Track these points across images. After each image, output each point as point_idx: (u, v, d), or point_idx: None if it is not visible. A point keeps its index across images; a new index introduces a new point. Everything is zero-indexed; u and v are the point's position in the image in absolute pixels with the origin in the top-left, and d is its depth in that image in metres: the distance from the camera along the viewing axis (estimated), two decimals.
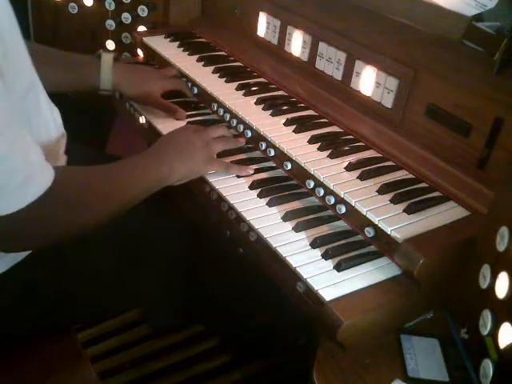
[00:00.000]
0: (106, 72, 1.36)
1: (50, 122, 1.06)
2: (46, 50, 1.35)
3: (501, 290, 0.80)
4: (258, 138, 1.26)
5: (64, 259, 1.10)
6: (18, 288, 1.07)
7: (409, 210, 1.00)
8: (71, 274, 1.12)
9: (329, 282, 0.92)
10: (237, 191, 1.14)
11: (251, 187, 1.15)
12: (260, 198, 1.12)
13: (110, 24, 1.82)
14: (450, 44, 1.10)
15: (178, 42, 1.68)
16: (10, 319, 1.10)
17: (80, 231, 0.96)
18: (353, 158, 1.16)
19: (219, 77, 1.48)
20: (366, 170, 1.10)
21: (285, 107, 1.34)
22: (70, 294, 1.13)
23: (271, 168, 1.23)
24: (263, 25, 1.54)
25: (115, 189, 1.00)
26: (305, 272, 0.94)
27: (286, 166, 1.19)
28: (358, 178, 1.09)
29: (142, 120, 1.45)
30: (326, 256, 0.98)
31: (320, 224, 1.06)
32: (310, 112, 1.34)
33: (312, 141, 1.20)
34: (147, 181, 1.06)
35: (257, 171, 1.21)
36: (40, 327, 1.16)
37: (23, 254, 1.04)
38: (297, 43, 1.44)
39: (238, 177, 1.18)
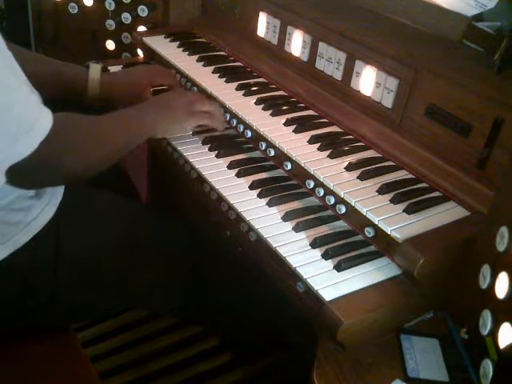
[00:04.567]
0: (93, 82, 1.38)
1: None
2: (37, 57, 1.36)
3: (501, 290, 0.80)
4: (258, 137, 1.26)
5: (65, 258, 1.10)
6: (16, 280, 1.07)
7: (409, 210, 1.00)
8: (72, 273, 1.12)
9: (329, 282, 0.92)
10: (237, 191, 1.14)
11: (251, 187, 1.15)
12: (260, 197, 1.12)
13: (110, 24, 1.82)
14: (450, 44, 1.10)
15: (177, 42, 1.68)
16: (8, 313, 1.10)
17: (73, 173, 1.03)
18: (353, 158, 1.16)
19: (219, 77, 1.48)
20: (365, 170, 1.10)
21: (285, 107, 1.34)
22: (71, 293, 1.13)
23: (271, 168, 1.23)
24: (263, 25, 1.54)
25: (105, 134, 1.10)
26: (305, 272, 0.94)
27: (286, 166, 1.19)
28: (357, 178, 1.09)
29: None
30: (325, 256, 0.98)
31: (320, 224, 1.06)
32: (310, 112, 1.34)
33: (312, 141, 1.20)
34: (132, 131, 1.17)
35: (257, 171, 1.21)
36: (39, 325, 1.16)
37: (20, 245, 1.05)
38: (297, 43, 1.44)
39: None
